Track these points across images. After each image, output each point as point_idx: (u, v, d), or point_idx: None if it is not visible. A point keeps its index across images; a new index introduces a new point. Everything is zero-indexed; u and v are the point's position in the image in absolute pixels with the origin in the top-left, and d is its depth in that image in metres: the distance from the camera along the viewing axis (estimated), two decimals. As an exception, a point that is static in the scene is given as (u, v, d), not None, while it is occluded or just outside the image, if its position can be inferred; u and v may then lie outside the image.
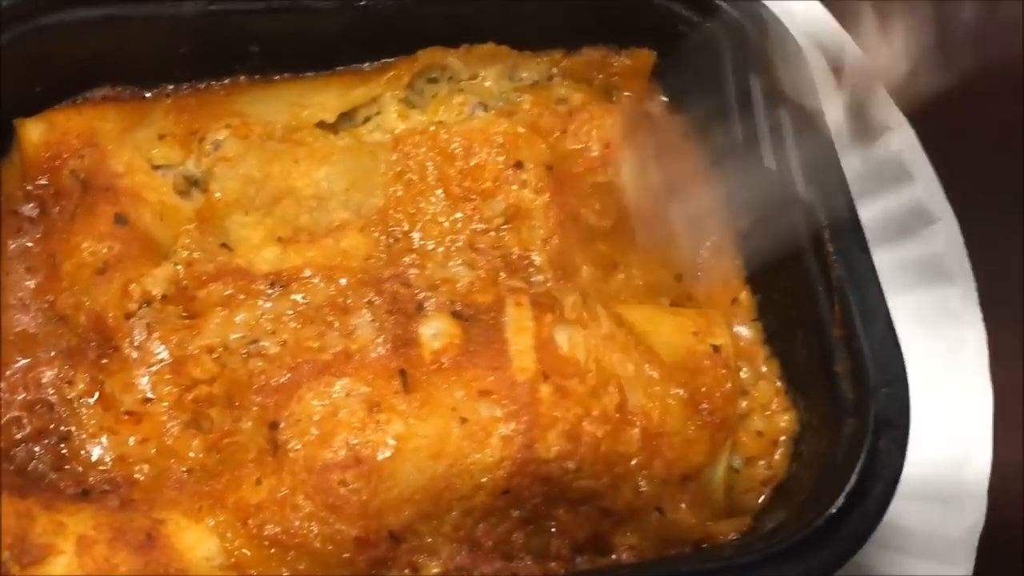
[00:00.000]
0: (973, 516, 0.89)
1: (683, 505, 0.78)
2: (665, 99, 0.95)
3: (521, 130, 0.85)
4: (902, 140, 0.97)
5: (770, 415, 0.84)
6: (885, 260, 0.83)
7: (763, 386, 0.85)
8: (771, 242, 0.87)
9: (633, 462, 0.76)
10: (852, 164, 0.83)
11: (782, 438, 0.83)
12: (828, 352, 0.79)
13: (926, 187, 0.96)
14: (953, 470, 0.91)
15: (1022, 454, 0.92)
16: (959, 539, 0.88)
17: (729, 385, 0.82)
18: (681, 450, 0.78)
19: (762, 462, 0.83)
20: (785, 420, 0.84)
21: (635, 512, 0.77)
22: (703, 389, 0.80)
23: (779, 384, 0.85)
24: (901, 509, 0.81)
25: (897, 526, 0.87)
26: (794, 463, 0.82)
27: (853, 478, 0.73)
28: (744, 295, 0.89)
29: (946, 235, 0.95)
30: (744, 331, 0.89)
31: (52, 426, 0.76)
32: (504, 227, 0.83)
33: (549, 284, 0.81)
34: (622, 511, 0.76)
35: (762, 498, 0.82)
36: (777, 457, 0.83)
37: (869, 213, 0.92)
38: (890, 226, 0.95)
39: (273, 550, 0.71)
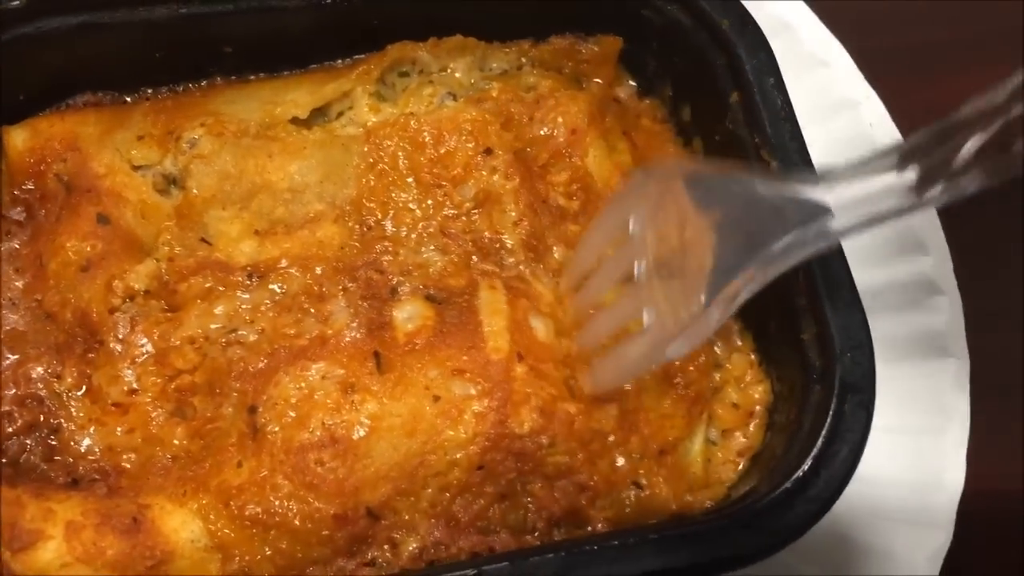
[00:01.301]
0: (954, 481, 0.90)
1: (660, 479, 0.80)
2: (633, 84, 0.97)
3: (489, 117, 0.87)
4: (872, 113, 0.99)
5: (744, 387, 0.86)
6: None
7: (736, 359, 0.87)
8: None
9: (610, 438, 0.78)
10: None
11: (757, 408, 0.85)
12: (795, 321, 0.81)
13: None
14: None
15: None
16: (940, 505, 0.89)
17: (703, 358, 0.84)
18: (657, 425, 0.80)
19: (738, 433, 0.85)
20: (759, 391, 0.85)
21: (612, 486, 0.78)
22: (676, 364, 0.82)
23: (752, 356, 0.87)
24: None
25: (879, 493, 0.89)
26: (768, 432, 0.84)
27: (819, 441, 0.74)
28: (715, 271, 0.90)
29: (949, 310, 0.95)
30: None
31: (42, 419, 0.79)
32: (475, 212, 0.85)
33: (521, 267, 0.83)
34: (599, 486, 0.78)
35: (739, 468, 0.84)
36: (752, 428, 0.85)
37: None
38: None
39: (255, 530, 0.73)
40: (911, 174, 0.64)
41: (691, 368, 0.83)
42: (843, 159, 0.94)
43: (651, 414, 0.80)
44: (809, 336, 0.79)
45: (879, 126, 0.99)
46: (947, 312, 0.93)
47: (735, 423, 0.85)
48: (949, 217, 0.96)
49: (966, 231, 0.97)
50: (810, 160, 0.82)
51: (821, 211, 0.67)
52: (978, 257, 0.97)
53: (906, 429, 0.91)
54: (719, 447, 0.84)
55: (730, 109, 0.87)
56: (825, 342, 0.77)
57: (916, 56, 1.09)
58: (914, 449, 0.92)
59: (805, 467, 0.73)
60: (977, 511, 0.88)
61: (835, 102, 1.00)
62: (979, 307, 0.94)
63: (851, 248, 0.79)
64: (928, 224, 0.96)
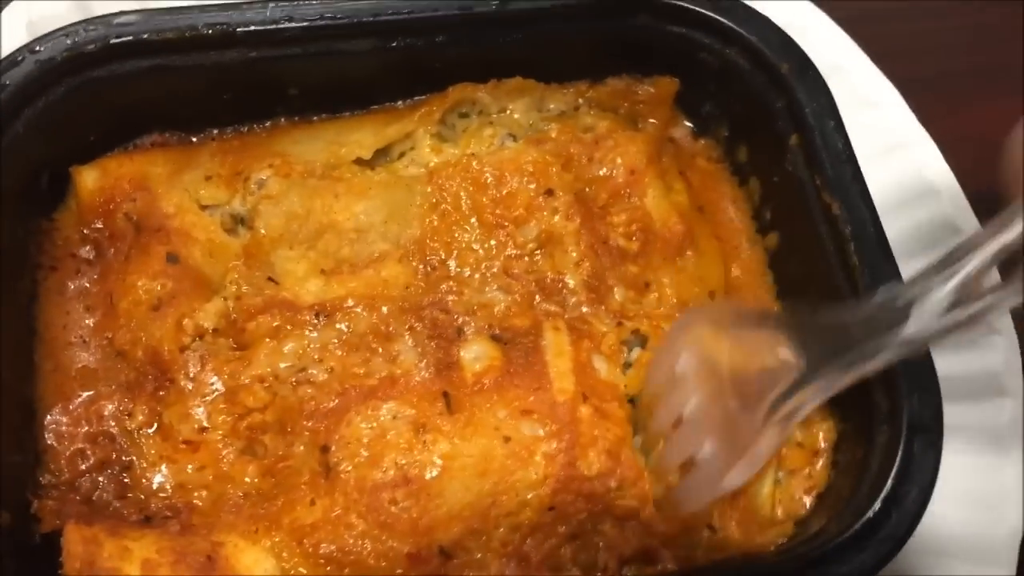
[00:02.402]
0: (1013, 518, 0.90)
1: (733, 522, 0.80)
2: (689, 124, 0.98)
3: (550, 158, 0.88)
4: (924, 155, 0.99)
5: (809, 426, 0.86)
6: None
7: (800, 398, 0.87)
8: (799, 257, 0.89)
9: None
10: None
11: (821, 447, 0.85)
12: (860, 362, 0.81)
13: (951, 201, 0.97)
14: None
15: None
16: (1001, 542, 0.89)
17: None
18: None
19: (804, 472, 0.85)
20: (823, 430, 0.86)
21: (686, 530, 0.79)
22: None
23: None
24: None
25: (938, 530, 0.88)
26: (833, 471, 0.84)
27: (889, 482, 0.75)
28: (776, 309, 0.91)
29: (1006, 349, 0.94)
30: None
31: (114, 456, 0.80)
32: (537, 252, 0.86)
33: (584, 308, 0.84)
34: (672, 531, 0.78)
35: (805, 507, 0.84)
36: (818, 467, 0.85)
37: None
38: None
39: (329, 567, 0.74)
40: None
41: None
42: (897, 203, 0.96)
43: None
44: (875, 377, 0.79)
45: (931, 167, 1.00)
46: (1003, 351, 0.93)
47: (800, 463, 0.85)
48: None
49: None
50: (872, 202, 0.83)
51: (898, 318, 0.65)
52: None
53: (965, 467, 0.91)
54: (784, 487, 0.85)
55: (789, 151, 0.88)
56: (892, 383, 0.78)
57: (957, 82, 1.10)
58: (973, 487, 0.92)
59: (876, 508, 0.74)
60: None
61: (887, 144, 1.00)
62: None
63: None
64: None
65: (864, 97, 1.00)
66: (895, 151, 0.99)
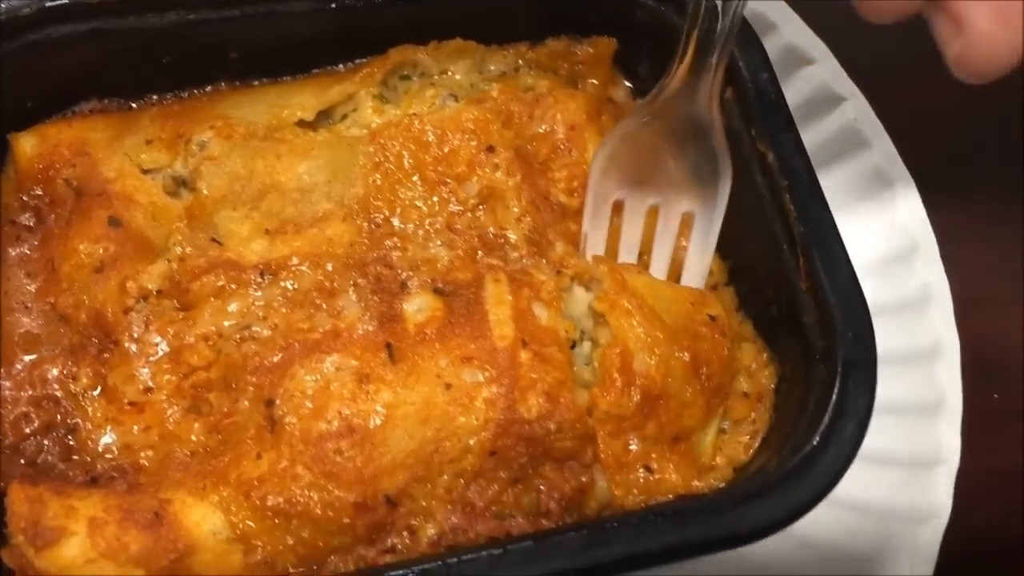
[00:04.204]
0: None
1: (671, 465, 0.82)
2: (628, 85, 0.99)
3: (490, 116, 0.89)
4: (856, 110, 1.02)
5: (753, 374, 0.88)
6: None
7: (745, 348, 0.89)
8: (738, 208, 0.91)
9: (625, 423, 0.80)
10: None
11: (764, 392, 0.87)
12: (796, 305, 0.83)
13: (882, 153, 0.99)
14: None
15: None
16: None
17: (726, 351, 0.85)
18: (676, 413, 0.82)
19: (748, 419, 0.86)
20: (766, 375, 0.87)
21: (622, 467, 0.80)
22: (702, 355, 0.83)
23: (758, 343, 0.89)
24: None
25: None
26: (774, 414, 0.86)
27: (826, 418, 0.76)
28: (715, 262, 0.93)
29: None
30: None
31: (59, 419, 0.80)
32: (479, 208, 0.87)
33: (524, 260, 0.85)
34: (608, 462, 0.80)
35: (750, 451, 0.85)
36: (761, 412, 0.86)
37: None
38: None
39: (276, 520, 0.74)
40: None
41: (715, 360, 0.84)
42: (830, 156, 0.99)
43: (672, 401, 0.81)
44: (811, 319, 0.81)
45: (863, 121, 1.02)
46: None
47: (746, 412, 0.86)
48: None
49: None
50: (805, 151, 0.85)
51: None
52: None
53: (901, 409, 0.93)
54: (730, 434, 0.86)
55: (725, 104, 0.89)
56: (827, 324, 0.79)
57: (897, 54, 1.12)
58: (908, 427, 0.94)
59: (814, 442, 0.75)
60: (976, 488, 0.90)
61: (822, 99, 1.03)
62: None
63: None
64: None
65: (798, 54, 1.02)
66: (827, 105, 1.01)
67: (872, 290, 0.81)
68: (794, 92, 0.99)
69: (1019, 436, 0.97)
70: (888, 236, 1.00)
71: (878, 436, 0.78)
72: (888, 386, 0.79)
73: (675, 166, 0.87)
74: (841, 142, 1.00)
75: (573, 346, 0.82)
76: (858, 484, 0.82)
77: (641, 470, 0.81)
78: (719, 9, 0.80)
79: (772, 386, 0.86)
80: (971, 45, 0.73)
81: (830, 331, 0.79)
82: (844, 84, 1.02)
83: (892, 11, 0.75)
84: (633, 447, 0.80)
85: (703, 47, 0.82)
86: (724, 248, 0.92)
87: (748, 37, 0.89)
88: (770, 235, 0.85)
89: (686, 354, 0.82)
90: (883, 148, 0.99)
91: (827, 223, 0.82)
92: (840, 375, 0.77)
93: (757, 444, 0.85)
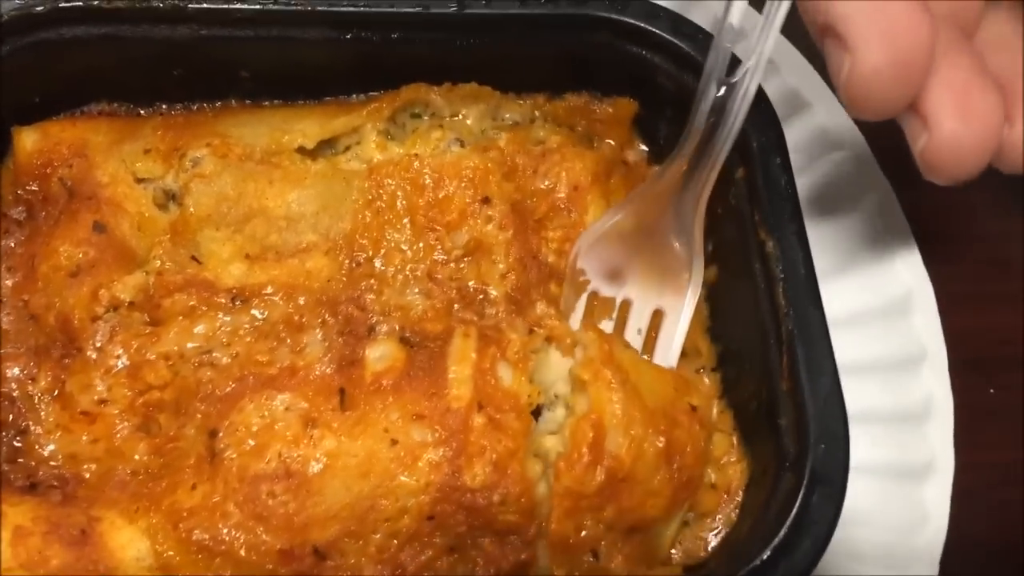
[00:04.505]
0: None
1: (620, 556, 0.78)
2: (645, 148, 0.96)
3: (491, 166, 0.87)
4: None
5: (723, 466, 0.84)
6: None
7: (718, 438, 0.85)
8: (733, 293, 0.87)
9: (584, 502, 0.76)
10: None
11: (733, 488, 0.83)
12: (775, 404, 0.79)
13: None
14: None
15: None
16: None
17: (703, 444, 0.81)
18: (639, 500, 0.78)
19: (714, 514, 0.82)
20: (737, 472, 0.83)
21: (567, 548, 0.76)
22: (677, 443, 0.79)
23: (732, 436, 0.85)
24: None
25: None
26: (739, 514, 0.81)
27: (782, 531, 0.72)
28: (705, 345, 0.89)
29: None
30: (705, 381, 0.89)
31: (11, 419, 0.79)
32: (464, 260, 0.85)
33: (500, 318, 0.82)
34: (555, 545, 0.76)
35: (705, 550, 0.81)
36: (727, 510, 0.82)
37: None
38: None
39: (200, 555, 0.72)
40: None
41: (689, 450, 0.79)
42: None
43: (637, 488, 0.77)
44: (787, 421, 0.77)
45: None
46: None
47: (711, 505, 0.82)
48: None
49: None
50: (807, 244, 0.81)
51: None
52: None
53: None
54: (692, 527, 0.82)
55: (734, 184, 0.86)
56: (802, 430, 0.75)
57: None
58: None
59: (764, 556, 0.71)
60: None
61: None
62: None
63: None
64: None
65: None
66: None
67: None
68: (817, 175, 0.94)
69: (1016, 431, 0.90)
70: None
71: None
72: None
73: (650, 263, 0.85)
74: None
75: (538, 412, 0.79)
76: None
77: (588, 555, 0.77)
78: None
79: (742, 485, 0.82)
80: (936, 144, 0.71)
81: (803, 438, 0.75)
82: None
83: (878, 110, 0.72)
84: (586, 530, 0.77)
85: (703, 149, 0.80)
86: (716, 331, 0.89)
87: (767, 116, 0.86)
88: (760, 326, 0.81)
89: (661, 440, 0.78)
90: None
91: (817, 324, 0.78)
92: (806, 486, 0.73)
93: (716, 543, 0.80)
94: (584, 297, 0.88)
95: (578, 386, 0.78)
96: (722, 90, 0.78)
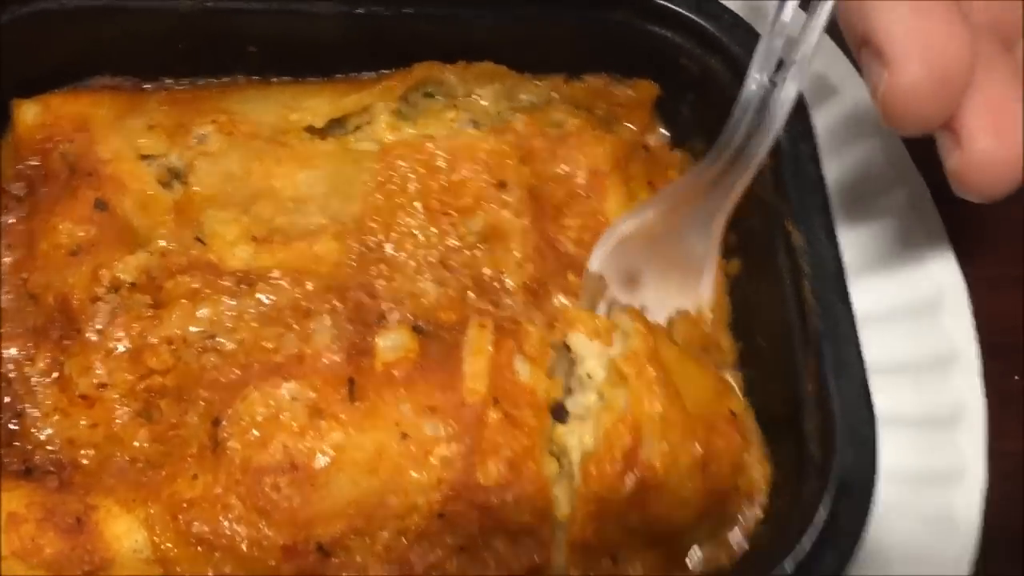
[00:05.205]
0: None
1: (639, 563, 0.75)
2: (666, 133, 0.93)
3: (508, 149, 0.83)
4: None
5: (745, 469, 0.81)
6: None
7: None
8: (757, 287, 0.84)
9: (609, 507, 0.72)
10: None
11: (756, 493, 0.80)
12: (800, 406, 0.76)
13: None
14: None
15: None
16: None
17: (740, 454, 0.78)
18: (668, 509, 0.74)
19: (738, 519, 0.79)
20: (760, 475, 0.80)
21: (586, 550, 0.74)
22: (714, 452, 0.75)
23: (757, 438, 0.82)
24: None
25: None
26: (762, 522, 0.78)
27: (805, 542, 0.69)
28: (726, 341, 0.86)
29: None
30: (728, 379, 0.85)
31: (8, 401, 0.76)
32: (479, 246, 0.82)
33: (517, 309, 0.79)
34: (573, 546, 0.73)
35: (729, 558, 0.78)
36: (749, 515, 0.79)
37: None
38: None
39: (200, 549, 0.70)
40: None
41: (726, 461, 0.76)
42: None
43: (668, 497, 0.73)
44: (812, 425, 0.74)
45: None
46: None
47: (734, 511, 0.78)
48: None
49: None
50: (835, 238, 0.78)
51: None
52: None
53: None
54: (713, 534, 0.79)
55: (761, 173, 0.82)
56: (827, 435, 0.72)
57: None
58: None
59: (787, 568, 0.68)
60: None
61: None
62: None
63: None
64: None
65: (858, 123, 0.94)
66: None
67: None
68: (845, 164, 0.91)
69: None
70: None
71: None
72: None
73: (667, 267, 0.83)
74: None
75: (556, 409, 0.76)
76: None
77: (607, 559, 0.74)
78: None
79: (765, 490, 0.79)
80: (968, 161, 0.69)
81: (828, 444, 0.72)
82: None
83: (914, 125, 0.71)
84: (607, 534, 0.73)
85: (740, 150, 0.77)
86: (738, 327, 0.86)
87: (796, 105, 0.82)
88: (784, 324, 0.78)
89: (698, 447, 0.74)
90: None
91: (846, 323, 0.75)
92: (831, 494, 0.70)
93: (737, 551, 0.77)
94: (603, 304, 0.84)
95: (616, 378, 0.74)
96: (763, 90, 0.76)
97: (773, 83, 0.75)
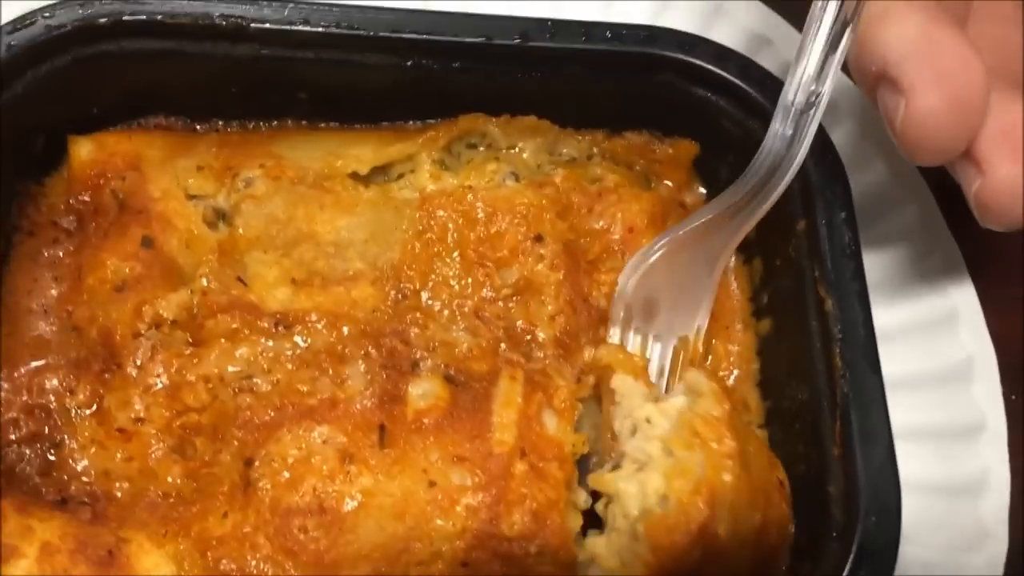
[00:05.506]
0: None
1: None
2: (703, 191, 0.94)
3: (546, 203, 0.85)
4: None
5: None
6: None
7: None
8: (787, 349, 0.84)
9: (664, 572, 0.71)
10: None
11: (781, 558, 0.79)
12: (825, 471, 0.76)
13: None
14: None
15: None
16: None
17: (788, 524, 0.77)
18: None
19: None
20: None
21: (604, 606, 0.74)
22: (769, 521, 0.75)
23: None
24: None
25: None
26: (786, 585, 0.78)
27: (826, 608, 0.69)
28: (754, 400, 0.86)
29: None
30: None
31: (47, 431, 0.79)
32: (513, 299, 0.83)
33: (548, 362, 0.81)
34: None
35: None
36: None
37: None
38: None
39: (226, 586, 0.71)
40: None
41: (776, 529, 0.76)
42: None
43: (723, 565, 0.72)
44: (836, 489, 0.74)
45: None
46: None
47: None
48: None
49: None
50: (868, 305, 0.78)
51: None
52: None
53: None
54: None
55: (795, 236, 0.83)
56: (850, 499, 0.72)
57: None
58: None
59: (806, 634, 0.68)
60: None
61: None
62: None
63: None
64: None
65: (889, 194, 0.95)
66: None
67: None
68: (876, 233, 0.92)
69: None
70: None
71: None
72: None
73: (679, 297, 0.85)
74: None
75: (582, 462, 0.76)
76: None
77: None
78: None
79: (786, 551, 0.78)
80: (991, 187, 0.71)
81: (853, 508, 0.72)
82: (938, 226, 0.92)
83: (935, 152, 0.72)
84: None
85: (760, 185, 0.80)
86: (766, 386, 0.86)
87: (833, 168, 0.83)
88: (812, 387, 0.79)
89: (758, 517, 0.73)
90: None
91: (874, 390, 0.75)
92: (852, 561, 0.70)
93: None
94: (633, 336, 0.85)
95: (691, 439, 0.73)
96: (790, 129, 0.78)
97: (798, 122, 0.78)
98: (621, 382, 0.78)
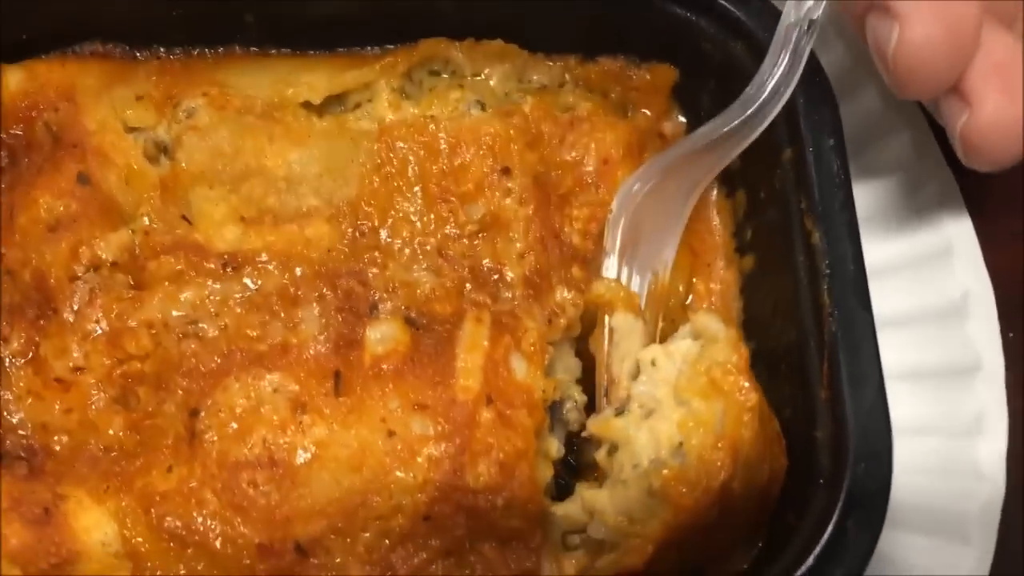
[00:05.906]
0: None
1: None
2: (683, 120, 0.88)
3: (514, 133, 0.79)
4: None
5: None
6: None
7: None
8: (771, 286, 0.80)
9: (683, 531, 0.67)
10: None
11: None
12: (811, 414, 0.72)
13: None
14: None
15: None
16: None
17: (784, 475, 0.73)
18: (725, 532, 0.70)
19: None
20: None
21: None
22: (771, 475, 0.71)
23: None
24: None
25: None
26: (767, 534, 0.74)
27: (811, 559, 0.65)
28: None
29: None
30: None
31: (-22, 383, 0.73)
32: (479, 235, 0.77)
33: (516, 303, 0.75)
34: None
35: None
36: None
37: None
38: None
39: (172, 544, 0.67)
40: None
41: (775, 483, 0.72)
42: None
43: (731, 519, 0.69)
44: (824, 434, 0.70)
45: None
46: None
47: None
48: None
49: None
50: (858, 238, 0.73)
51: None
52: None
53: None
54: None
55: (780, 166, 0.78)
56: (840, 446, 0.68)
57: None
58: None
59: (792, 587, 0.64)
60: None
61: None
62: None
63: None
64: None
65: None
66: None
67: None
68: (867, 163, 0.86)
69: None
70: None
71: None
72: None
73: (652, 233, 0.80)
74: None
75: (554, 408, 0.72)
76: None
77: None
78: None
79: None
80: (978, 121, 0.69)
81: (841, 454, 0.68)
82: (933, 155, 0.87)
83: (926, 83, 0.70)
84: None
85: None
86: (750, 327, 0.82)
87: (822, 92, 0.78)
88: (799, 326, 0.74)
89: (766, 470, 0.69)
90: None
91: (864, 328, 0.71)
92: (840, 509, 0.66)
93: (741, 565, 0.73)
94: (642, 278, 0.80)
95: (710, 390, 0.69)
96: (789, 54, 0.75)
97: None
98: (623, 320, 0.74)
